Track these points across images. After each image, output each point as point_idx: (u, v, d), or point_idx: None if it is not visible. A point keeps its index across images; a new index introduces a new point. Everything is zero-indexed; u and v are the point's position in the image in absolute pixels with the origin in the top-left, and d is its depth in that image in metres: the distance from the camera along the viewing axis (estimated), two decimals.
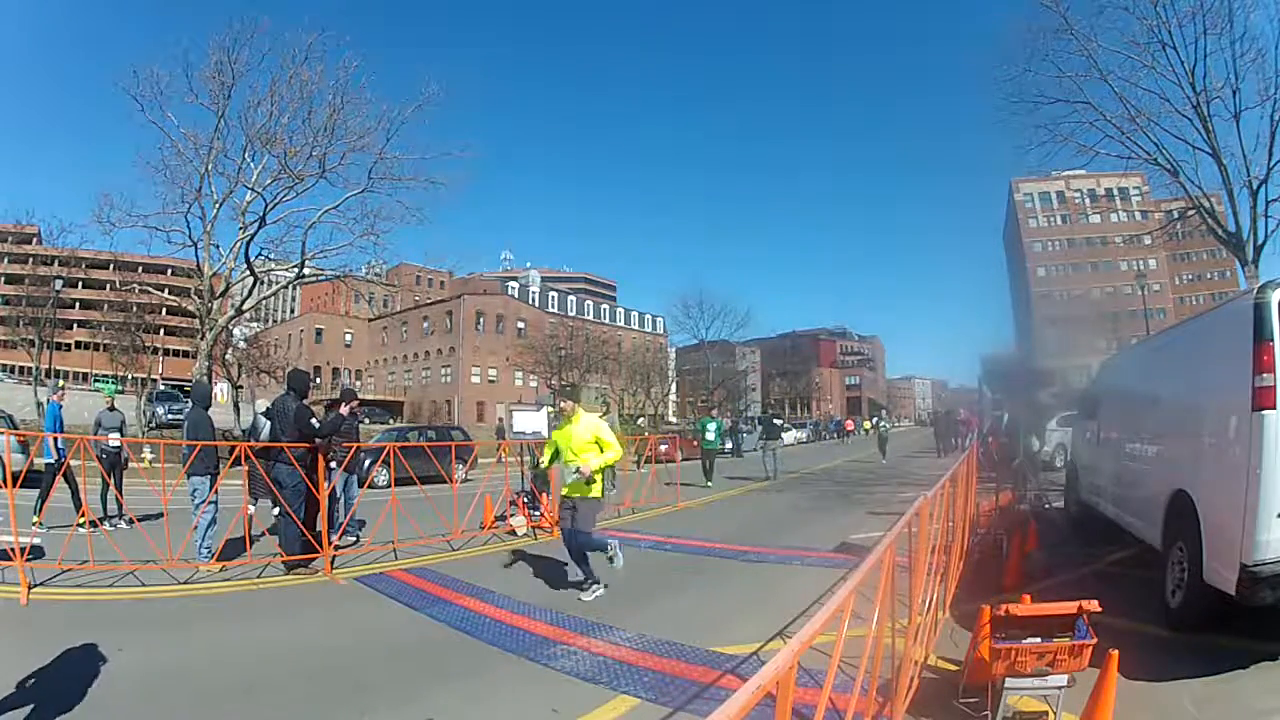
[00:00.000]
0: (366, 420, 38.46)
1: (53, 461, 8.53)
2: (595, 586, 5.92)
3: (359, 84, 22.33)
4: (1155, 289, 56.28)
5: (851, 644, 2.19)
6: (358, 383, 65.33)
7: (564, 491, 6.20)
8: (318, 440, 6.99)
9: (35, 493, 8.74)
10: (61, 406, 9.58)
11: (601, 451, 6.01)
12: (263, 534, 8.20)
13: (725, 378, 67.46)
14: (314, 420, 7.04)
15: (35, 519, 8.15)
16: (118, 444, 9.14)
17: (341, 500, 8.38)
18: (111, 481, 8.92)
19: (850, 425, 63.70)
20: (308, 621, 5.48)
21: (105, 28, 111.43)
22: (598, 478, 6.02)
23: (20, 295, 35.03)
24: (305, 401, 7.21)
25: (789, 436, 37.61)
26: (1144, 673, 3.66)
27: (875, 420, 39.98)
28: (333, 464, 7.80)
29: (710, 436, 16.14)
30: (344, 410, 8.12)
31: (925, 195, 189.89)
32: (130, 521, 8.51)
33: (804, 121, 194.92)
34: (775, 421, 18.89)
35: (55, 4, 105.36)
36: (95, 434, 9.07)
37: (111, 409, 9.49)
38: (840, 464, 23.72)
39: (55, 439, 8.53)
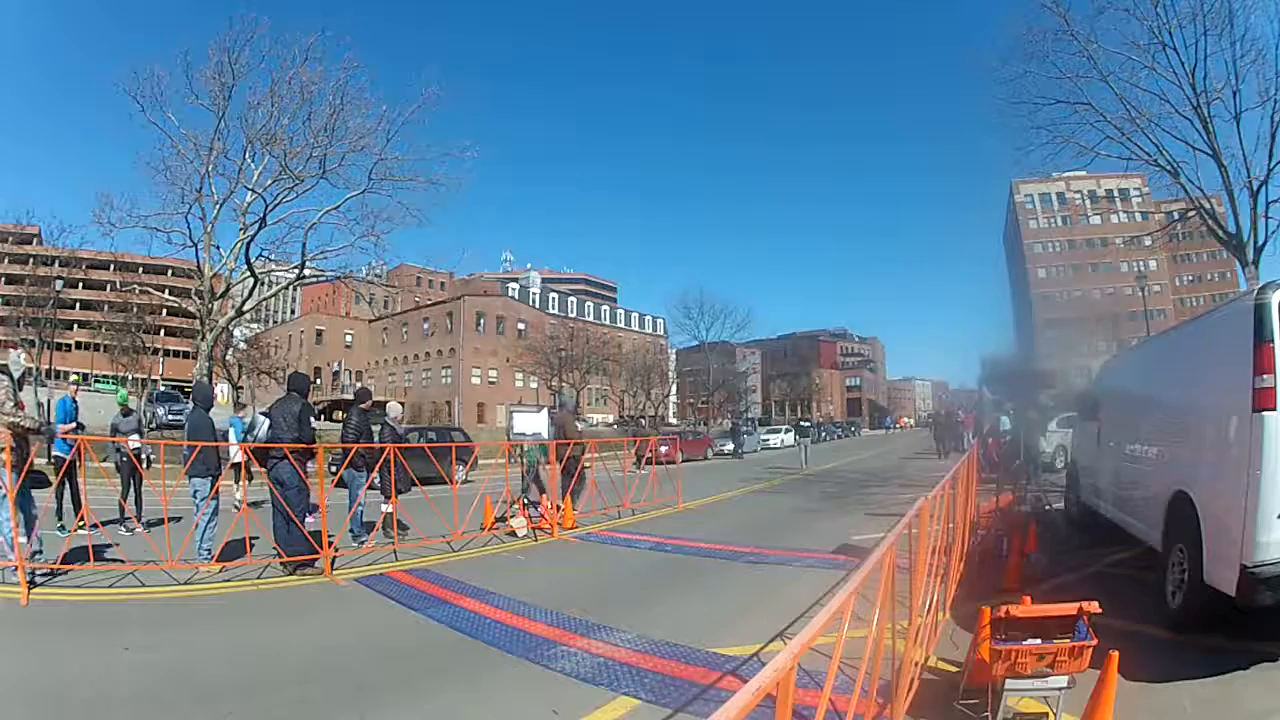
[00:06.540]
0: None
1: (59, 456, 8.48)
2: None
3: (359, 84, 22.43)
4: (1156, 290, 56.32)
5: (852, 645, 2.19)
6: (357, 384, 65.33)
7: None
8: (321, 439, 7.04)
9: (35, 492, 8.71)
10: (74, 401, 9.41)
11: None
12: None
13: (725, 379, 67.60)
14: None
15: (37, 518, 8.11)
16: (137, 446, 9.12)
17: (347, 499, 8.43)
18: (132, 483, 8.95)
19: (903, 421, 65.87)
20: (308, 622, 5.48)
21: (105, 28, 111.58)
22: None
23: (20, 295, 35.12)
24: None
25: (789, 437, 37.93)
26: (1144, 674, 3.66)
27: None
28: (360, 466, 7.92)
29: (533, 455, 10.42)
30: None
31: (926, 196, 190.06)
32: (133, 530, 8.47)
33: (804, 122, 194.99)
34: (804, 424, 24.54)
35: (55, 4, 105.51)
36: (112, 438, 9.06)
37: (127, 413, 9.50)
38: (840, 464, 23.73)
39: (64, 434, 8.49)
